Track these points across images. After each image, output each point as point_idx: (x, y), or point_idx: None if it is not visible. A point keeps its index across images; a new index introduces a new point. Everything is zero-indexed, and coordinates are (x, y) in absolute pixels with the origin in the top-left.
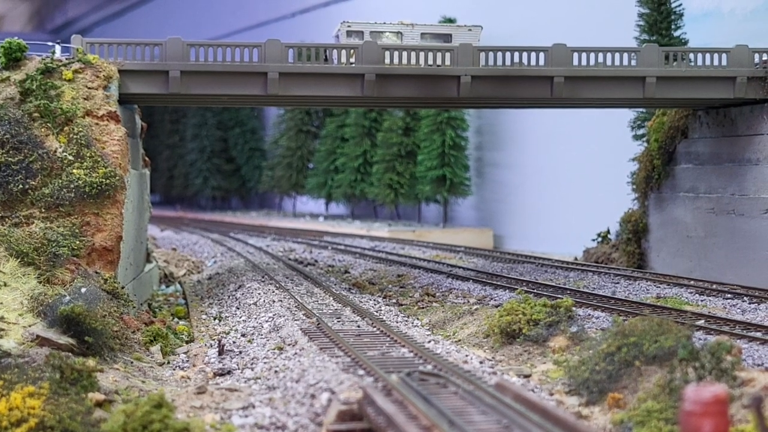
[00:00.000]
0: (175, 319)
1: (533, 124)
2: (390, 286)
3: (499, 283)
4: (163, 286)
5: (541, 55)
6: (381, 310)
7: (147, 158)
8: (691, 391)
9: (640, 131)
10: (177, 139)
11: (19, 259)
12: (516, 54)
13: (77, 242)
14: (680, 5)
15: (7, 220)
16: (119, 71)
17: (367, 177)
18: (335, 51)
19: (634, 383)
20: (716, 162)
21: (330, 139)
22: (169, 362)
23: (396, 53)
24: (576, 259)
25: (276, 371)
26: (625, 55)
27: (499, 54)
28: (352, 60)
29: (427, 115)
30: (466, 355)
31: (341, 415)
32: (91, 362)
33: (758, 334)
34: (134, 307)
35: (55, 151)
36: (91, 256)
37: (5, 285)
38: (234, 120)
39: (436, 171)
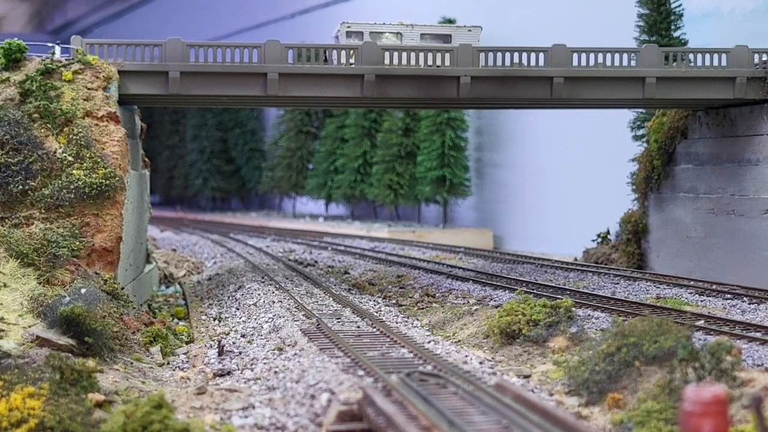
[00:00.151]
0: (175, 320)
1: (533, 124)
2: (390, 286)
3: (498, 283)
4: (163, 287)
5: (541, 55)
6: (381, 311)
7: (147, 159)
8: (691, 392)
9: (640, 132)
10: (177, 139)
11: (18, 260)
12: (516, 54)
13: (77, 243)
14: (680, 6)
15: (6, 221)
16: (119, 72)
17: (366, 178)
18: (335, 52)
19: (634, 383)
20: (716, 162)
21: (330, 139)
22: (168, 363)
23: (396, 54)
24: (576, 259)
25: (276, 372)
26: (625, 55)
27: (499, 54)
28: (352, 61)
29: (426, 116)
30: (466, 356)
31: (341, 415)
32: (90, 363)
33: (758, 335)
34: (134, 308)
35: (55, 152)
36: (90, 256)
37: (5, 286)
38: (234, 121)
39: (436, 172)
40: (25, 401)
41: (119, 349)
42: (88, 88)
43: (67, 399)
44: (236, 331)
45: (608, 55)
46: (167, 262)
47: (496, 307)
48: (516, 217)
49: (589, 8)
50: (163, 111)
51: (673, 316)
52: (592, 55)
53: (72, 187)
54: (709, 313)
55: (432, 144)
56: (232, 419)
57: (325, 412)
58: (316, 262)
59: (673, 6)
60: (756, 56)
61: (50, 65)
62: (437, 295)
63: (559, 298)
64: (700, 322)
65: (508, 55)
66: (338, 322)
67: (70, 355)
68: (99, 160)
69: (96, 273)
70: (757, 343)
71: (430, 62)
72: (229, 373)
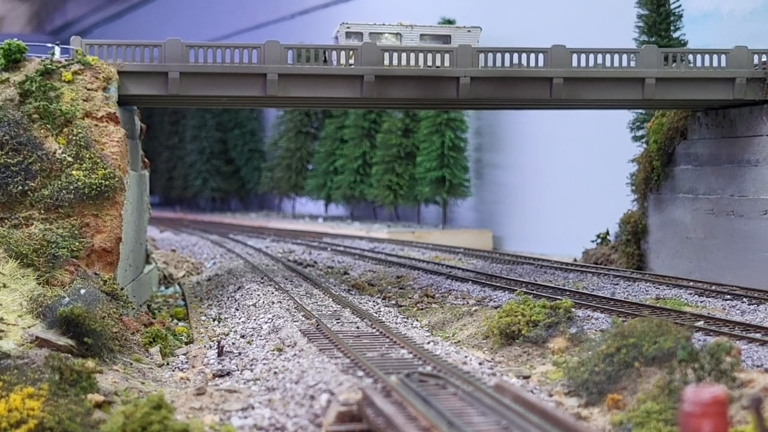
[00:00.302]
0: (175, 321)
1: (532, 125)
2: (389, 287)
3: (498, 284)
4: (163, 288)
5: (541, 56)
6: (380, 312)
7: (146, 159)
8: (691, 392)
9: (640, 132)
10: (176, 140)
11: (18, 261)
12: (515, 55)
13: (76, 243)
14: (679, 6)
15: (6, 221)
16: (118, 72)
17: (366, 178)
18: (334, 52)
19: (634, 384)
20: (715, 163)
21: (329, 140)
22: (168, 363)
23: (395, 54)
24: (575, 260)
25: (275, 372)
26: (625, 56)
27: (499, 55)
28: (352, 61)
29: (426, 117)
30: (466, 357)
31: (340, 416)
32: (90, 363)
33: (757, 335)
34: (133, 309)
35: (55, 153)
36: (90, 257)
37: (4, 286)
38: (233, 121)
39: (436, 172)
40: (25, 402)
41: (119, 350)
42: (88, 89)
43: (67, 400)
44: (236, 331)
45: (608, 56)
46: (167, 262)
47: (496, 307)
48: (515, 218)
49: (589, 9)
50: (163, 111)
51: (673, 316)
52: (591, 56)
53: (71, 187)
54: (708, 313)
55: (431, 145)
56: (232, 420)
57: (325, 413)
58: (315, 262)
59: (672, 7)
60: (755, 57)
61: (50, 66)
62: (437, 295)
63: (558, 299)
64: (700, 323)
65: (507, 55)
66: (338, 322)
67: (69, 355)
68: (98, 160)
69: (95, 273)
70: (757, 343)
71: (429, 63)
72: (228, 373)
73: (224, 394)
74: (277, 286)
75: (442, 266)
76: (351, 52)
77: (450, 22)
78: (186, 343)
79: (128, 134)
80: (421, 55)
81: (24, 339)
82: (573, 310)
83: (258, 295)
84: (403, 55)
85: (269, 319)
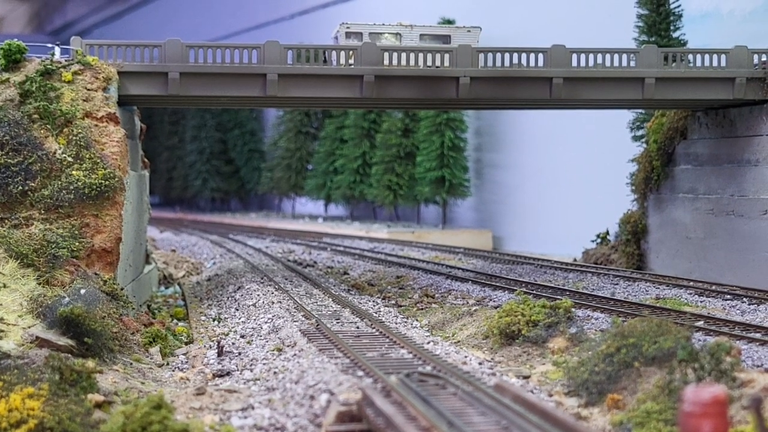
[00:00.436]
0: (175, 321)
1: (532, 125)
2: (389, 287)
3: (498, 284)
4: (163, 288)
5: (540, 56)
6: (380, 312)
7: (146, 160)
8: (691, 392)
9: (639, 132)
10: (176, 140)
11: (18, 261)
12: (515, 55)
13: (76, 244)
14: (679, 6)
15: (6, 221)
16: (118, 73)
17: (366, 178)
18: (334, 52)
19: (634, 384)
20: (715, 163)
21: (329, 140)
22: (168, 363)
23: (395, 54)
24: (575, 260)
25: (275, 372)
26: (624, 56)
27: (498, 55)
28: (351, 61)
29: (426, 117)
30: (466, 356)
31: (340, 416)
32: (90, 363)
33: (757, 335)
34: (133, 309)
35: (55, 153)
36: (90, 257)
37: (5, 286)
38: (233, 121)
39: (435, 172)
40: (25, 402)
41: (119, 350)
42: (88, 89)
43: (67, 400)
44: (235, 331)
45: (607, 56)
46: (167, 262)
47: (496, 307)
48: (515, 218)
49: (589, 9)
50: (163, 112)
51: (673, 316)
52: (591, 56)
53: (71, 187)
54: (708, 313)
55: (431, 145)
56: (232, 420)
57: (325, 413)
58: (315, 262)
59: (672, 6)
60: (755, 57)
61: (50, 66)
62: (436, 295)
63: (558, 299)
64: (700, 323)
65: (507, 55)
66: (337, 322)
67: (69, 355)
68: (98, 160)
69: (95, 274)
70: (757, 343)
71: (429, 63)
72: (228, 373)
73: (224, 394)
74: (276, 286)
75: (442, 266)
76: (351, 52)
77: (450, 22)
78: (186, 343)
79: (128, 134)
80: (420, 55)
81: (24, 339)
82: (573, 310)
83: (258, 295)
84: (403, 55)
85: (269, 319)
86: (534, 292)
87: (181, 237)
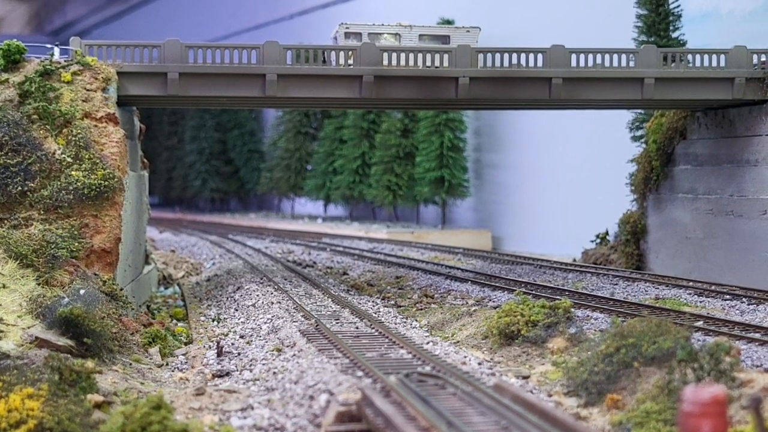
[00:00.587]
0: (174, 321)
1: (531, 125)
2: (388, 287)
3: (497, 284)
4: (162, 288)
5: (540, 56)
6: (379, 312)
7: (146, 160)
8: (690, 392)
9: (639, 132)
10: (176, 140)
11: (18, 261)
12: (514, 55)
13: (76, 244)
14: (678, 6)
15: (6, 221)
16: (118, 73)
17: (365, 178)
18: (333, 53)
19: (633, 384)
20: (715, 163)
21: (328, 140)
22: (167, 364)
23: (394, 55)
24: (574, 260)
25: (275, 373)
26: (624, 56)
27: (498, 55)
28: (351, 62)
29: (425, 117)
30: (465, 357)
31: (340, 416)
32: (89, 364)
33: (757, 335)
34: (133, 309)
35: (54, 153)
36: (89, 257)
37: (4, 287)
38: (233, 122)
39: (435, 172)
40: (24, 402)
41: (118, 350)
42: (87, 90)
43: (66, 400)
44: (235, 332)
45: (607, 56)
46: (166, 263)
47: (495, 307)
48: (515, 218)
49: (589, 9)
50: (162, 112)
51: (672, 316)
52: (590, 56)
53: (71, 188)
54: (708, 313)
55: (431, 145)
56: (231, 420)
57: (324, 413)
58: (314, 263)
59: (671, 7)
60: (755, 57)
61: (49, 66)
62: (436, 295)
63: (558, 299)
64: (699, 323)
65: (506, 55)
66: (337, 323)
67: (69, 356)
68: (98, 161)
69: (95, 274)
70: (756, 343)
71: (428, 63)
72: (227, 374)
73: (223, 395)
74: (276, 287)
75: (442, 266)
76: (350, 53)
77: (449, 22)
78: (185, 344)
79: (127, 135)
80: (420, 56)
81: (23, 339)
82: (572, 310)
83: (257, 295)
84: (402, 55)
85: (268, 319)
86: (533, 292)
87: (180, 237)
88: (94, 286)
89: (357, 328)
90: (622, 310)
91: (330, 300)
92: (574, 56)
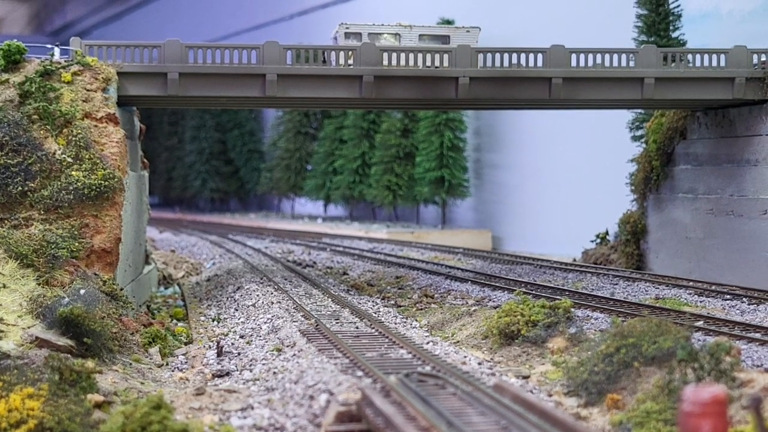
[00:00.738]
0: (174, 321)
1: (531, 125)
2: (388, 287)
3: (497, 284)
4: (162, 288)
5: (540, 56)
6: (379, 312)
7: (146, 160)
8: (690, 392)
9: (639, 132)
10: (176, 140)
11: (18, 261)
12: (514, 55)
13: (76, 244)
14: (678, 6)
15: (6, 222)
16: (118, 73)
17: (365, 179)
18: (333, 53)
19: (633, 384)
20: (715, 163)
21: (328, 140)
22: (167, 364)
23: (394, 55)
24: (574, 260)
25: (275, 372)
26: (624, 56)
27: (498, 55)
28: (351, 62)
29: (425, 117)
30: (465, 357)
31: (340, 416)
32: (90, 364)
33: (757, 335)
34: (133, 309)
35: (54, 153)
36: (90, 257)
37: (4, 287)
38: (232, 122)
39: (435, 172)
40: (25, 402)
41: (118, 350)
42: (87, 90)
43: (67, 400)
44: (235, 332)
45: (607, 56)
46: (166, 263)
47: (495, 307)
48: (515, 218)
49: (589, 9)
50: (162, 112)
51: (672, 316)
52: (590, 56)
53: (71, 188)
54: (708, 313)
55: (431, 145)
56: (231, 420)
57: (324, 413)
58: (314, 263)
59: (671, 6)
60: (755, 57)
61: (49, 67)
62: (436, 295)
63: (558, 299)
64: (700, 323)
65: (506, 55)
66: (337, 322)
67: (69, 355)
68: (98, 161)
69: (95, 274)
70: (757, 343)
71: (428, 63)
72: (227, 373)
73: (223, 395)
74: (276, 287)
75: (442, 266)
76: (350, 53)
77: (449, 22)
78: (185, 344)
79: (127, 135)
80: (420, 56)
81: (24, 339)
82: (572, 310)
83: (257, 295)
84: (402, 55)
85: (268, 319)
86: (533, 292)
87: (180, 237)
88: (94, 286)
89: (357, 328)
90: (622, 310)
91: (330, 300)
92: (574, 56)
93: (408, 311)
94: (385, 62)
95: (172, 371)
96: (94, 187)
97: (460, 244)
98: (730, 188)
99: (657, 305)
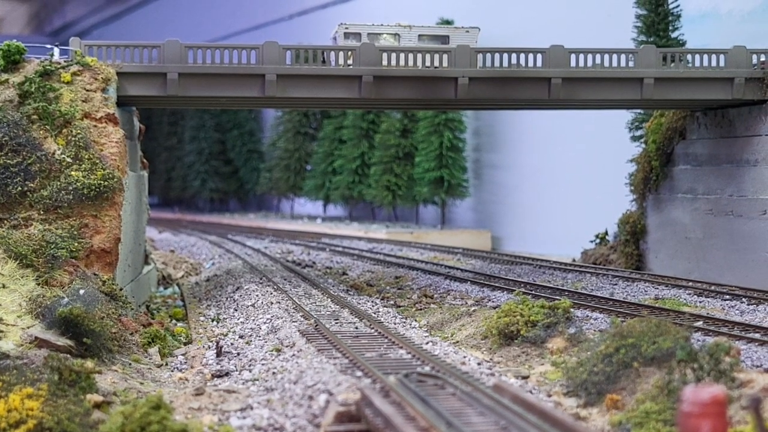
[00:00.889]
0: (173, 321)
1: (531, 125)
2: (388, 287)
3: (497, 284)
4: (162, 288)
5: (539, 56)
6: (379, 312)
7: (145, 160)
8: (690, 392)
9: (638, 132)
10: (175, 141)
11: (17, 261)
12: (513, 55)
13: (75, 244)
14: (678, 6)
15: (5, 222)
16: (117, 73)
17: (365, 179)
18: (333, 53)
19: (633, 384)
20: (714, 163)
21: (328, 140)
22: (167, 364)
23: (393, 55)
24: (574, 260)
25: (274, 373)
26: (623, 56)
27: (497, 55)
28: (350, 62)
29: (424, 117)
30: (464, 357)
31: (339, 416)
32: (89, 364)
33: (757, 335)
34: (132, 309)
35: (54, 153)
36: (89, 257)
37: (4, 287)
38: (232, 122)
39: (434, 172)
40: (24, 402)
41: (117, 350)
42: (87, 90)
43: (66, 400)
44: (234, 332)
45: (606, 56)
46: (165, 263)
47: (495, 308)
48: (514, 218)
49: (588, 9)
50: (162, 112)
51: (672, 316)
52: (590, 56)
53: (71, 188)
54: (707, 313)
55: (430, 145)
56: (231, 420)
57: (323, 413)
58: (314, 263)
59: (671, 7)
60: (754, 57)
61: (49, 67)
62: (435, 296)
63: (557, 299)
64: (699, 323)
65: (506, 56)
66: (336, 323)
67: (68, 356)
68: (97, 161)
69: (94, 274)
70: (756, 343)
71: (428, 63)
72: (227, 374)
73: (223, 395)
74: (275, 287)
75: (441, 266)
76: (349, 53)
77: (448, 22)
78: (185, 344)
79: (127, 135)
80: (419, 56)
81: (23, 339)
82: (572, 310)
83: (257, 295)
84: (402, 55)
85: (268, 319)
86: (533, 292)
87: (179, 237)
88: (94, 286)
89: (356, 328)
90: (621, 310)
91: (329, 300)
92: (573, 56)
93: (407, 311)
94: (385, 62)
95: (172, 371)
96: (93, 187)
97: (459, 245)
98: (729, 188)
99: (656, 305)
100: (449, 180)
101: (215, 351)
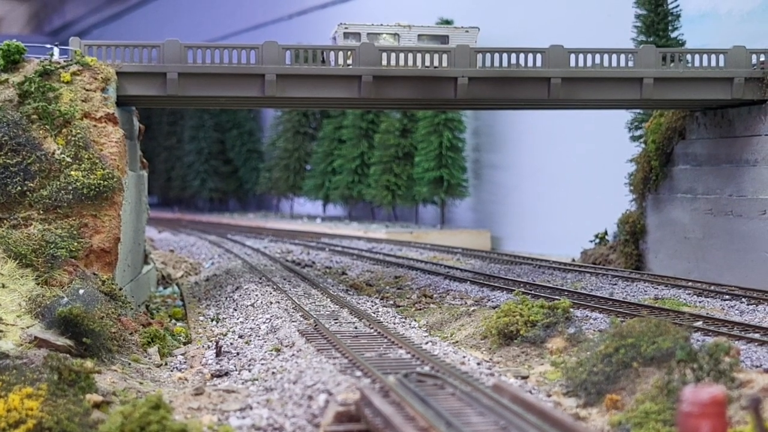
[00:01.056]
0: (173, 321)
1: (530, 125)
2: (387, 287)
3: (496, 284)
4: (161, 288)
5: (539, 56)
6: (378, 312)
7: (145, 160)
8: (689, 393)
9: (638, 132)
10: (175, 140)
11: (17, 261)
12: (513, 55)
13: (75, 244)
14: (677, 6)
15: (5, 221)
16: (117, 73)
17: (364, 178)
18: (332, 53)
19: (632, 384)
20: (714, 163)
21: (327, 140)
22: (166, 364)
23: (393, 55)
24: (573, 260)
25: (273, 372)
26: (623, 56)
27: (496, 55)
28: (349, 62)
29: (424, 117)
30: (464, 357)
31: (338, 416)
32: (88, 363)
33: (756, 335)
34: (132, 309)
35: (53, 153)
36: (89, 257)
37: (3, 286)
38: (231, 122)
39: (434, 172)
40: (24, 402)
41: (117, 350)
42: (87, 90)
43: (65, 400)
44: (234, 332)
45: (606, 56)
46: (165, 262)
47: (494, 307)
48: (513, 218)
49: (588, 9)
50: (161, 112)
51: (672, 316)
52: (589, 56)
53: (70, 188)
54: (707, 313)
55: (429, 145)
56: (230, 420)
57: (323, 413)
58: (313, 262)
59: (670, 7)
60: (754, 57)
61: (49, 67)
62: (435, 295)
63: (556, 299)
64: (699, 323)
65: (505, 55)
66: (336, 323)
67: (68, 355)
68: (97, 161)
69: (94, 274)
70: (756, 343)
71: (427, 63)
72: (226, 373)
73: (222, 395)
74: (275, 287)
75: (440, 266)
76: (349, 53)
77: (448, 22)
78: (184, 344)
79: (127, 135)
80: (419, 56)
81: (23, 339)
82: (571, 310)
83: (256, 295)
84: (401, 55)
85: (267, 319)
86: (532, 292)
87: (179, 237)
88: (93, 286)
89: (356, 328)
90: (621, 310)
91: (329, 300)
92: (573, 56)
93: (407, 311)
94: (384, 62)
95: (171, 371)
96: (93, 187)
97: (458, 244)
98: (729, 188)
99: (656, 305)
100: (449, 180)
101: (215, 351)
